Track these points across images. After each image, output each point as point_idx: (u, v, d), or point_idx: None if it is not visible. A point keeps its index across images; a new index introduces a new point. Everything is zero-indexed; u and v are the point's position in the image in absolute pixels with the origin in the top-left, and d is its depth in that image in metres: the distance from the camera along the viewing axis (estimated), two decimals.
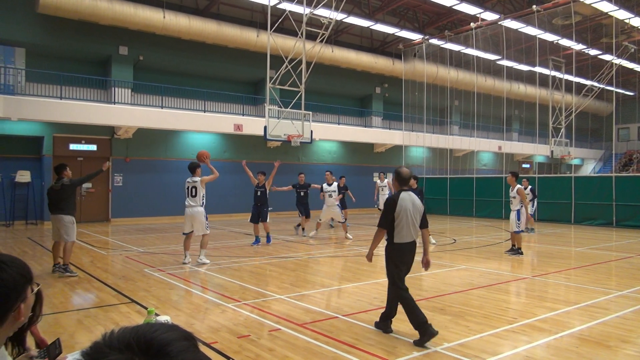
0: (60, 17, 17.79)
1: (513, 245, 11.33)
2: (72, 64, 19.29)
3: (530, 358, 4.68)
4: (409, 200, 5.45)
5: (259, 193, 12.90)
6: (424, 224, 5.63)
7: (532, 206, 16.33)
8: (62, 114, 17.02)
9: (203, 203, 9.99)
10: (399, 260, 5.47)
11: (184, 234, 10.14)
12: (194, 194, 9.91)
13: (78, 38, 18.76)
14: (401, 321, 5.83)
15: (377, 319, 5.67)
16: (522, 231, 11.42)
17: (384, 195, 17.51)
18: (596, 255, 11.30)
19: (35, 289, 1.72)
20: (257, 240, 12.76)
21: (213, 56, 21.81)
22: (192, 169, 10.02)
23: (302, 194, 15.30)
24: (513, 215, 11.25)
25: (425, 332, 5.04)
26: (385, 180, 17.92)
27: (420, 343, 5.03)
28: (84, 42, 19.02)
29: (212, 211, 19.70)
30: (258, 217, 12.78)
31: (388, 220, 5.40)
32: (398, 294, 5.42)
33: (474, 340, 5.15)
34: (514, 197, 11.23)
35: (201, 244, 10.05)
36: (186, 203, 9.98)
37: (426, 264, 5.71)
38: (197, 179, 9.98)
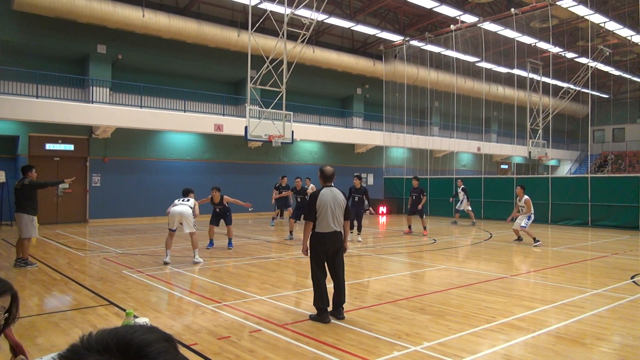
0: (36, 14, 17.45)
1: (518, 237, 13.53)
2: (48, 62, 18.92)
3: (509, 356, 4.74)
4: (330, 195, 6.10)
5: (217, 210, 11.98)
6: (346, 217, 6.25)
7: (466, 203, 19.04)
8: (38, 113, 16.70)
9: (191, 207, 10.11)
10: (319, 247, 6.07)
11: (170, 230, 10.00)
12: (186, 200, 10.19)
13: (55, 36, 18.43)
14: (382, 321, 5.87)
15: (314, 314, 6.01)
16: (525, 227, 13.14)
17: None
18: (572, 255, 11.51)
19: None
20: (211, 244, 12.18)
21: (193, 55, 21.63)
22: (185, 193, 10.41)
23: (298, 199, 14.84)
24: (523, 219, 13.10)
25: (319, 316, 5.86)
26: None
27: (311, 317, 5.93)
28: (61, 40, 18.69)
29: None
30: (218, 220, 12.11)
31: (312, 213, 6.05)
32: (313, 274, 6.08)
33: (453, 339, 5.20)
34: (523, 207, 13.09)
35: (192, 244, 10.05)
36: (175, 202, 10.14)
37: (343, 250, 6.30)
38: (192, 201, 10.19)
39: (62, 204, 18.62)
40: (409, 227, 16.11)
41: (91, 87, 19.03)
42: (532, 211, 13.04)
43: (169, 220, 10.05)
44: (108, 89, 19.56)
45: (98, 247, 12.47)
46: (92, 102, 18.64)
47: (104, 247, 12.30)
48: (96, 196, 19.13)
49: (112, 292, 7.42)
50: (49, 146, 18.31)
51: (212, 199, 11.75)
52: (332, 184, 6.31)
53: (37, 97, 17.12)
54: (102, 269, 9.46)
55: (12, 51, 18.05)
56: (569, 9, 21.29)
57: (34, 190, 9.58)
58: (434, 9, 22.48)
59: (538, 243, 12.73)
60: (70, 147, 18.71)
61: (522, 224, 13.06)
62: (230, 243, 12.21)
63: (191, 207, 10.07)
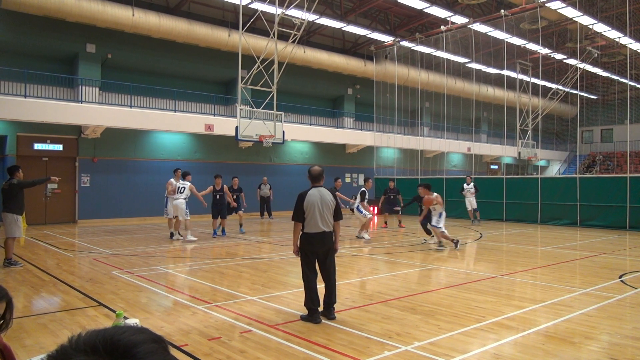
0: (24, 13, 17.28)
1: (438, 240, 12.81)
2: (37, 61, 18.74)
3: (498, 355, 4.77)
4: (318, 195, 6.11)
5: (218, 196, 14.41)
6: (337, 217, 6.24)
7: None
8: (27, 112, 16.55)
9: (185, 198, 13.36)
10: (308, 248, 6.09)
11: (167, 217, 14.07)
12: (182, 191, 13.31)
13: (43, 35, 18.27)
14: (373, 321, 5.88)
15: (305, 314, 6.03)
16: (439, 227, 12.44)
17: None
18: (561, 255, 11.59)
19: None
20: (215, 233, 14.42)
21: (184, 55, 21.54)
22: (184, 175, 13.51)
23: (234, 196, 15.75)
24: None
25: (310, 316, 5.89)
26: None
27: (302, 318, 5.95)
28: (50, 39, 18.54)
29: None
30: (218, 214, 14.45)
31: (299, 214, 6.07)
32: (303, 275, 6.12)
33: (444, 339, 5.22)
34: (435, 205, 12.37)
35: (185, 226, 13.30)
36: (175, 197, 13.39)
37: (334, 251, 6.30)
38: (188, 183, 13.31)
39: (50, 204, 18.46)
40: (385, 222, 18.32)
41: (80, 87, 18.88)
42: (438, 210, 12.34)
43: (170, 210, 13.72)
44: (97, 89, 19.42)
45: (87, 247, 12.38)
46: (82, 101, 18.50)
47: (93, 248, 12.21)
48: (85, 196, 18.98)
49: (102, 293, 7.36)
50: (38, 146, 18.14)
51: (215, 186, 14.47)
52: (321, 185, 6.31)
53: (25, 96, 16.96)
54: (91, 269, 9.39)
55: (0, 50, 17.88)
56: (557, 10, 21.48)
57: (21, 190, 9.68)
58: (424, 10, 22.57)
59: (439, 246, 12.37)
60: (59, 147, 18.55)
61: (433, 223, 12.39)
62: (223, 231, 14.84)
63: (185, 199, 13.36)
